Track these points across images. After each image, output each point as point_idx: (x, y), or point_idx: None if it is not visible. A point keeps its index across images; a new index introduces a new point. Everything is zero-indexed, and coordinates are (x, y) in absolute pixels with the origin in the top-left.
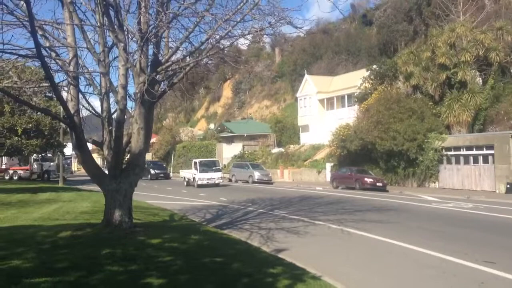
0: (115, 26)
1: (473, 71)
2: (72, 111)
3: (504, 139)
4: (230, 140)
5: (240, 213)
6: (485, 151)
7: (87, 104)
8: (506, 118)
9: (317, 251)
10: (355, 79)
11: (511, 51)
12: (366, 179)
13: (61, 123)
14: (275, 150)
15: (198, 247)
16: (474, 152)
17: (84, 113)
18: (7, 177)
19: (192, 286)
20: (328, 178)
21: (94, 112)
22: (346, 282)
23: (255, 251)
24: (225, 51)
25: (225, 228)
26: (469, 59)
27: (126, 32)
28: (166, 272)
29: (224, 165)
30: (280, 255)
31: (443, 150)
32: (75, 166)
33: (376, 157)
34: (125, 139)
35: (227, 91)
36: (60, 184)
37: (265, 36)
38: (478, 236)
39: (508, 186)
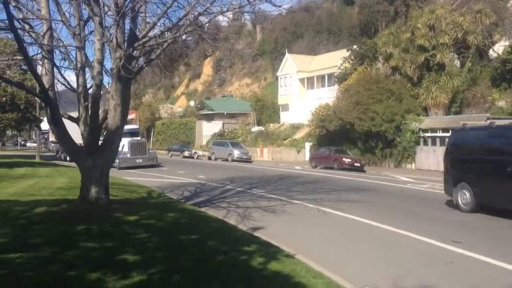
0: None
1: (452, 53)
2: (46, 86)
3: (480, 122)
4: (210, 117)
5: (218, 191)
6: None
7: (62, 79)
8: (482, 101)
9: (292, 230)
10: (335, 59)
11: (489, 35)
12: (344, 159)
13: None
14: (255, 128)
15: (175, 225)
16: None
17: (59, 87)
18: None
19: (167, 263)
20: (307, 158)
21: (69, 87)
22: (319, 260)
23: (231, 229)
24: (204, 28)
25: (203, 206)
26: (447, 41)
27: (101, 6)
28: (142, 249)
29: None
30: (256, 234)
31: (420, 132)
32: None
33: (354, 138)
34: (101, 115)
35: (207, 68)
36: (37, 159)
37: (245, 13)
38: (448, 216)
39: None
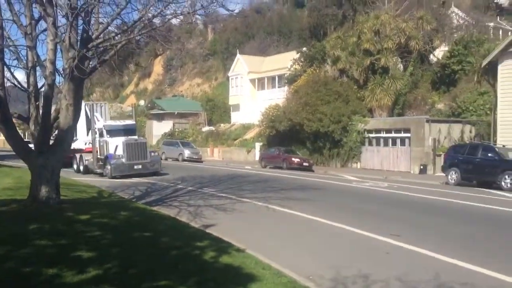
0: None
1: (395, 57)
2: None
3: (420, 124)
4: (160, 117)
5: (170, 191)
6: (402, 134)
7: (12, 78)
8: (422, 103)
9: (243, 227)
10: (286, 61)
11: (430, 40)
12: (293, 159)
13: None
14: (206, 128)
15: (127, 223)
16: (393, 135)
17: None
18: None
19: (122, 258)
20: (257, 158)
21: (20, 87)
22: (268, 253)
23: (183, 227)
24: (157, 30)
25: (155, 205)
26: (391, 46)
27: (55, 6)
28: (96, 246)
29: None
30: (208, 230)
31: (365, 132)
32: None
33: (303, 138)
34: (53, 114)
35: (157, 68)
36: None
37: (197, 16)
38: (389, 212)
39: (422, 167)
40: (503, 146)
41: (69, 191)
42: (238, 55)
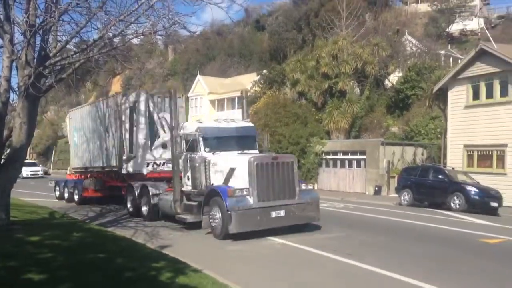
0: (1, 16)
1: (352, 81)
2: None
3: (375, 146)
4: None
5: (125, 211)
6: (358, 156)
7: None
8: (378, 126)
9: (200, 247)
10: (246, 82)
11: (385, 66)
12: None
13: None
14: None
15: (81, 244)
16: (349, 156)
17: None
18: None
19: (74, 280)
20: None
21: None
22: (225, 273)
23: (139, 247)
24: (118, 50)
25: (109, 226)
26: (348, 70)
27: (12, 23)
28: (47, 268)
29: None
30: (164, 251)
31: (323, 154)
32: None
33: None
34: (5, 132)
35: (116, 87)
36: None
37: (158, 36)
38: (343, 232)
39: (376, 188)
40: (453, 168)
41: (19, 212)
42: (198, 76)
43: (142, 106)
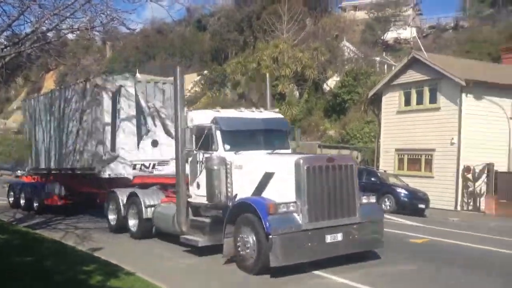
0: None
1: (292, 85)
2: None
3: (312, 148)
4: None
5: (91, 223)
6: None
7: None
8: (316, 129)
9: (133, 249)
10: (186, 82)
11: (323, 70)
12: None
13: None
14: None
15: (6, 247)
16: None
17: None
18: None
19: None
20: None
21: None
22: (159, 275)
23: (69, 250)
24: (51, 45)
25: (38, 228)
26: (288, 73)
27: None
28: None
29: None
30: (96, 254)
31: None
32: None
33: None
34: None
35: (49, 83)
36: None
37: (95, 32)
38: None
39: None
40: (385, 171)
41: None
42: (137, 74)
43: (130, 91)
